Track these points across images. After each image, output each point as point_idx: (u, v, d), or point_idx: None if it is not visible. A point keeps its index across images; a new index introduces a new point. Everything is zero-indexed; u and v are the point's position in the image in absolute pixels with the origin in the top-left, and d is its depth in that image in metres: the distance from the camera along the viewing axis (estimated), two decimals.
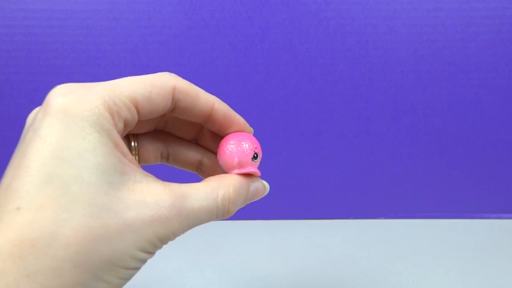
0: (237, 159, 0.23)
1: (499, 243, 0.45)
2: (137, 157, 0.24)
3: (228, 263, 0.41)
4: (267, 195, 0.27)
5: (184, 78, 0.22)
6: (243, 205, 0.23)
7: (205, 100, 0.22)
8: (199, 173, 0.27)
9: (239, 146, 0.23)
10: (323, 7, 0.47)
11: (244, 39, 0.48)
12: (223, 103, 0.23)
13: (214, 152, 0.26)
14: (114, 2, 0.46)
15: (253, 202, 0.28)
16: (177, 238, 0.20)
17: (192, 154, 0.26)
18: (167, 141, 0.26)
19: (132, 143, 0.24)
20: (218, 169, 0.25)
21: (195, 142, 0.27)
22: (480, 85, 0.49)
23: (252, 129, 0.25)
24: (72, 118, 0.17)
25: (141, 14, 0.47)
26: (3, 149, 0.48)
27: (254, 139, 0.24)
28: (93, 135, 0.17)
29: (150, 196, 0.18)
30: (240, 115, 0.25)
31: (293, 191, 0.51)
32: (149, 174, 0.20)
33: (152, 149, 0.25)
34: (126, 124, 0.20)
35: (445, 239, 0.46)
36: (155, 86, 0.20)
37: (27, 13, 0.46)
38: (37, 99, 0.53)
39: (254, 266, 0.41)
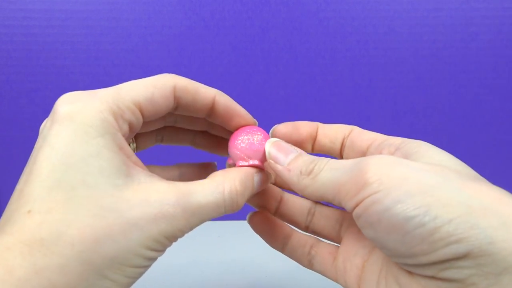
0: (244, 153, 0.24)
1: None
2: (134, 145, 0.25)
3: (228, 263, 0.41)
4: None
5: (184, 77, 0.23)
6: (251, 196, 0.23)
7: (205, 94, 0.23)
8: (193, 145, 0.28)
9: (248, 140, 0.24)
10: (323, 7, 0.47)
11: (244, 39, 0.48)
12: (225, 95, 0.24)
13: (226, 138, 0.27)
14: (114, 2, 0.46)
15: (253, 202, 0.28)
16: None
17: (184, 134, 0.27)
18: (162, 133, 0.27)
19: (131, 145, 0.25)
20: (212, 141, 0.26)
21: (207, 132, 0.28)
22: (480, 85, 0.49)
23: (256, 121, 0.26)
24: (78, 125, 0.18)
25: (141, 14, 0.47)
26: (3, 149, 0.48)
27: (263, 133, 0.25)
28: (97, 139, 0.18)
29: (154, 194, 0.19)
30: None
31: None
32: (154, 175, 0.20)
33: (148, 138, 0.26)
34: (131, 126, 0.21)
35: None
36: (157, 87, 0.21)
37: (27, 13, 0.46)
38: (37, 99, 0.53)
39: (255, 266, 0.41)
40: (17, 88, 0.48)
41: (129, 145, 0.25)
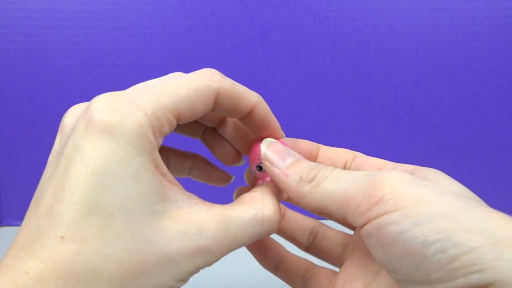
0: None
1: None
2: None
3: (229, 263, 0.41)
4: None
5: None
6: None
7: (247, 102, 0.21)
8: (192, 176, 0.27)
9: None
10: (324, 7, 0.47)
11: (245, 39, 0.48)
12: (264, 103, 0.22)
13: (231, 143, 0.25)
14: (115, 2, 0.46)
15: None
16: None
17: (186, 163, 0.26)
18: (167, 156, 0.26)
19: None
20: (213, 173, 0.25)
21: (216, 129, 0.26)
22: (481, 85, 0.49)
23: (284, 134, 0.24)
24: (116, 141, 0.17)
25: (142, 14, 0.47)
26: (3, 149, 0.48)
27: (286, 145, 0.23)
28: (135, 159, 0.17)
29: (193, 225, 0.18)
30: None
31: None
32: (192, 194, 0.19)
33: None
34: (165, 136, 0.19)
35: None
36: (198, 92, 0.19)
37: (27, 13, 0.46)
38: (38, 99, 0.53)
39: (255, 266, 0.41)
40: (17, 88, 0.48)
41: None
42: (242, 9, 0.47)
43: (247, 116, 0.22)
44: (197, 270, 0.18)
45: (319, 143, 0.26)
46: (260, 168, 0.23)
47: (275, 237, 0.27)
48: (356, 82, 0.49)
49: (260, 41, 0.48)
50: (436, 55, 0.48)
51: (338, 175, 0.20)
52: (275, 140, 0.23)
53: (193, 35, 0.47)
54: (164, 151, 0.25)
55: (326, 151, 0.25)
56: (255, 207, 0.20)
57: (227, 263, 0.41)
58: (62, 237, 0.16)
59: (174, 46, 0.48)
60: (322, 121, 0.49)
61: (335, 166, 0.22)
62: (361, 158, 0.24)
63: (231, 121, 0.25)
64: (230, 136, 0.25)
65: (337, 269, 0.25)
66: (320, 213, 0.21)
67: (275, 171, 0.21)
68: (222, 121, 0.25)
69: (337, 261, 0.26)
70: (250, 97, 0.21)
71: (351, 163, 0.24)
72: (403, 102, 0.49)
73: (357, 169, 0.24)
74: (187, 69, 0.22)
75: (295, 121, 0.49)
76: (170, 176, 0.19)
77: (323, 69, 0.49)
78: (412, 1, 0.47)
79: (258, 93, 0.22)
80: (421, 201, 0.16)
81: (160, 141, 0.18)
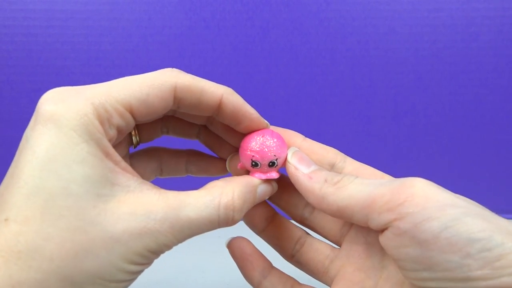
0: (259, 160, 0.22)
1: None
2: (137, 138, 0.24)
3: (229, 264, 0.41)
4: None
5: None
6: (250, 208, 0.22)
7: (211, 95, 0.21)
8: (191, 172, 0.26)
9: (262, 146, 0.22)
10: (324, 8, 0.47)
11: (245, 40, 0.48)
12: (235, 94, 0.22)
13: (224, 139, 0.25)
14: (115, 2, 0.46)
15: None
16: None
17: (182, 159, 0.26)
18: (159, 155, 0.25)
19: (133, 138, 0.24)
20: (209, 163, 0.25)
21: (207, 127, 0.25)
22: (480, 86, 0.49)
23: (268, 123, 0.24)
24: (61, 128, 0.17)
25: (142, 14, 0.47)
26: (3, 149, 0.48)
27: (278, 137, 0.23)
28: (81, 145, 0.17)
29: (141, 207, 0.18)
30: None
31: None
32: (145, 181, 0.19)
33: (147, 168, 0.25)
34: (119, 129, 0.19)
35: None
36: (153, 87, 0.19)
37: (27, 13, 0.46)
38: (37, 99, 0.53)
39: None
40: (17, 88, 0.48)
41: (132, 137, 0.23)
42: (242, 9, 0.47)
43: (219, 111, 0.22)
44: (150, 253, 0.18)
45: (319, 143, 0.26)
46: (255, 164, 0.23)
47: (261, 245, 0.26)
48: (356, 82, 0.49)
49: (260, 41, 0.48)
50: (436, 55, 0.48)
51: (363, 180, 0.20)
52: (297, 149, 0.23)
53: (193, 35, 0.47)
54: (155, 151, 0.25)
55: (313, 146, 0.24)
56: (212, 193, 0.20)
57: (227, 263, 0.41)
58: (6, 219, 0.16)
59: (174, 46, 0.48)
60: (322, 121, 0.49)
61: (321, 162, 0.23)
62: (353, 164, 0.24)
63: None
64: (221, 132, 0.25)
65: (322, 285, 0.25)
66: (337, 215, 0.21)
67: (299, 174, 0.21)
68: (209, 118, 0.24)
69: (323, 275, 0.25)
70: (215, 90, 0.21)
71: (342, 166, 0.24)
72: (403, 102, 0.49)
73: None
74: (187, 70, 0.22)
75: (295, 121, 0.49)
76: (124, 164, 0.19)
77: (323, 69, 0.49)
78: (412, 1, 0.47)
79: (259, 93, 0.22)
80: (452, 202, 0.17)
81: (112, 133, 0.19)
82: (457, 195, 0.18)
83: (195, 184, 0.26)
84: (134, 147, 0.24)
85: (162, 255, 0.19)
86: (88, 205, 0.17)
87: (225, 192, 0.20)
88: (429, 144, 0.50)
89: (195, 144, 0.27)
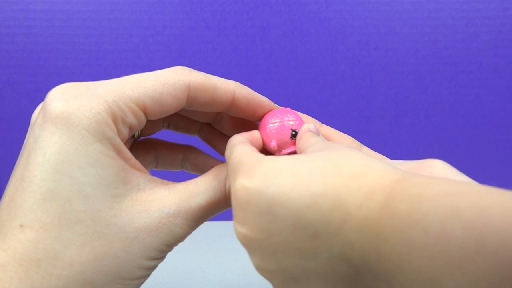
0: (275, 141, 0.22)
1: None
2: (138, 131, 0.23)
3: (230, 263, 0.41)
4: None
5: None
6: None
7: (225, 91, 0.20)
8: (186, 169, 0.26)
9: (278, 127, 0.22)
10: (324, 8, 0.47)
11: (245, 40, 0.48)
12: (244, 87, 0.22)
13: (225, 133, 0.25)
14: (115, 2, 0.46)
15: None
16: None
17: (179, 155, 0.25)
18: (156, 149, 0.25)
19: (136, 132, 0.23)
20: (205, 162, 0.25)
21: (212, 125, 0.25)
22: (480, 86, 0.49)
23: (278, 107, 0.24)
24: (73, 128, 0.16)
25: (142, 14, 0.47)
26: (3, 149, 0.48)
27: (294, 114, 0.23)
28: (94, 145, 0.17)
29: (154, 203, 0.18)
30: None
31: None
32: (154, 178, 0.19)
33: (144, 161, 0.24)
34: (132, 128, 0.19)
35: None
36: (167, 86, 0.19)
37: (27, 13, 0.46)
38: (38, 99, 0.52)
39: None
40: (18, 88, 0.48)
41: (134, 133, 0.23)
42: (242, 9, 0.47)
43: (233, 106, 0.21)
44: (167, 246, 0.18)
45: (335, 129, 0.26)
46: (295, 134, 0.22)
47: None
48: (356, 82, 0.49)
49: (260, 41, 0.48)
50: (436, 55, 0.48)
51: (387, 160, 0.20)
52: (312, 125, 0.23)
53: (193, 35, 0.47)
54: (153, 144, 0.25)
55: (330, 132, 0.24)
56: (218, 177, 0.20)
57: (227, 263, 0.41)
58: (21, 226, 0.16)
59: (174, 46, 0.48)
60: (322, 121, 0.49)
61: None
62: (367, 151, 0.24)
63: (227, 115, 0.24)
64: (229, 130, 0.25)
65: None
66: None
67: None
68: (217, 116, 0.24)
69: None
70: (227, 86, 0.20)
71: None
72: (403, 102, 0.49)
73: None
74: None
75: None
76: (134, 161, 0.19)
77: (323, 69, 0.49)
78: (412, 1, 0.47)
79: (259, 93, 0.22)
80: (471, 181, 0.16)
81: (125, 132, 0.18)
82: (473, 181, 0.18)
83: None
84: (135, 140, 0.24)
85: (162, 261, 0.19)
86: (104, 207, 0.17)
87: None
88: (428, 144, 0.50)
89: (194, 139, 0.27)
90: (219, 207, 0.20)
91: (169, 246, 0.18)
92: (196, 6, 0.47)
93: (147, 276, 0.19)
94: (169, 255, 0.20)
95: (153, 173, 0.21)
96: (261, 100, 0.22)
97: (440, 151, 0.51)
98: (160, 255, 0.18)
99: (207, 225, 0.23)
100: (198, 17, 0.47)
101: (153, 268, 0.19)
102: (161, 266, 0.40)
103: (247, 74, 0.49)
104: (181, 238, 0.19)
